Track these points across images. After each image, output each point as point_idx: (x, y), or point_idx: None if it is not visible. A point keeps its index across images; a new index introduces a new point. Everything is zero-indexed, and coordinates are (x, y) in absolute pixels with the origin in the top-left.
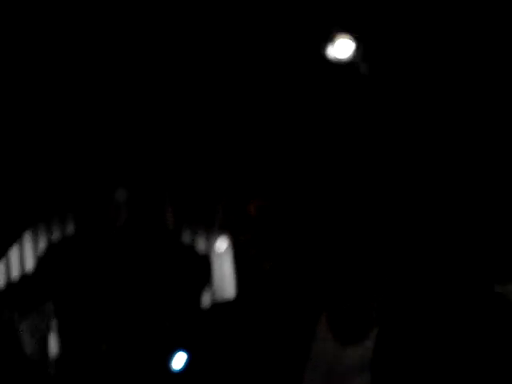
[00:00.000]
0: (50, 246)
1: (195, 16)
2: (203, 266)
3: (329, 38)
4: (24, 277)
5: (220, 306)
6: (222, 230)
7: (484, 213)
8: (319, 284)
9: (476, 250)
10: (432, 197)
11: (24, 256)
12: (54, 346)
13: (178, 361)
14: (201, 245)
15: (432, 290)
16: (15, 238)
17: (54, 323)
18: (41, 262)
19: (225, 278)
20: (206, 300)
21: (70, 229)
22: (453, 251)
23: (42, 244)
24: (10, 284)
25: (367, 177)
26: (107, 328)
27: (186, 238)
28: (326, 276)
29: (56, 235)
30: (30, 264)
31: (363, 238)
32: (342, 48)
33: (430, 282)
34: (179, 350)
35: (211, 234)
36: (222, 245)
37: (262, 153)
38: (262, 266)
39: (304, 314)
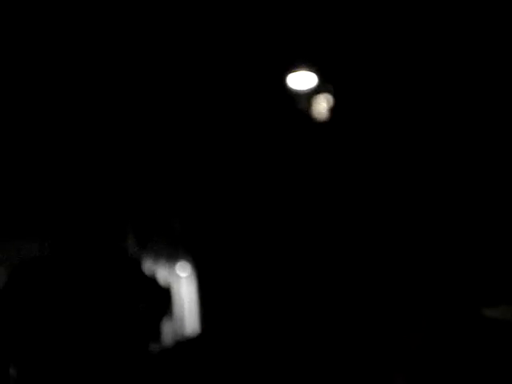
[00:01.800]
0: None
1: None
2: (163, 299)
3: (290, 70)
4: None
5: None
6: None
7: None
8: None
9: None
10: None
11: None
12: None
13: None
14: (162, 269)
15: None
16: None
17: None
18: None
19: (186, 304)
20: (166, 329)
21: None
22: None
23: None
24: None
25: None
26: (65, 360)
27: (147, 263)
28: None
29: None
30: None
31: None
32: (302, 79)
33: None
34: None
35: (173, 258)
36: (184, 269)
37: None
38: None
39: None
